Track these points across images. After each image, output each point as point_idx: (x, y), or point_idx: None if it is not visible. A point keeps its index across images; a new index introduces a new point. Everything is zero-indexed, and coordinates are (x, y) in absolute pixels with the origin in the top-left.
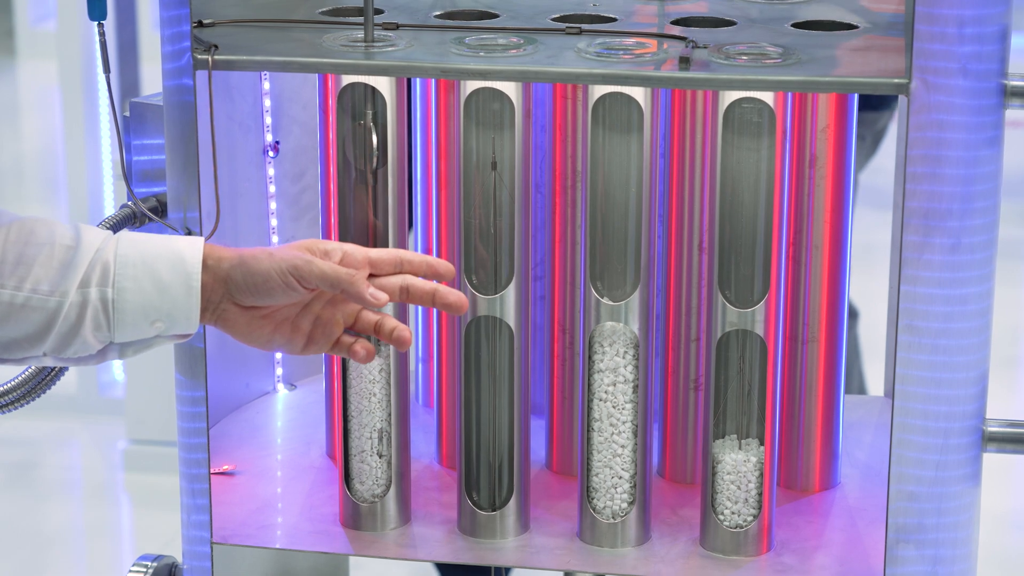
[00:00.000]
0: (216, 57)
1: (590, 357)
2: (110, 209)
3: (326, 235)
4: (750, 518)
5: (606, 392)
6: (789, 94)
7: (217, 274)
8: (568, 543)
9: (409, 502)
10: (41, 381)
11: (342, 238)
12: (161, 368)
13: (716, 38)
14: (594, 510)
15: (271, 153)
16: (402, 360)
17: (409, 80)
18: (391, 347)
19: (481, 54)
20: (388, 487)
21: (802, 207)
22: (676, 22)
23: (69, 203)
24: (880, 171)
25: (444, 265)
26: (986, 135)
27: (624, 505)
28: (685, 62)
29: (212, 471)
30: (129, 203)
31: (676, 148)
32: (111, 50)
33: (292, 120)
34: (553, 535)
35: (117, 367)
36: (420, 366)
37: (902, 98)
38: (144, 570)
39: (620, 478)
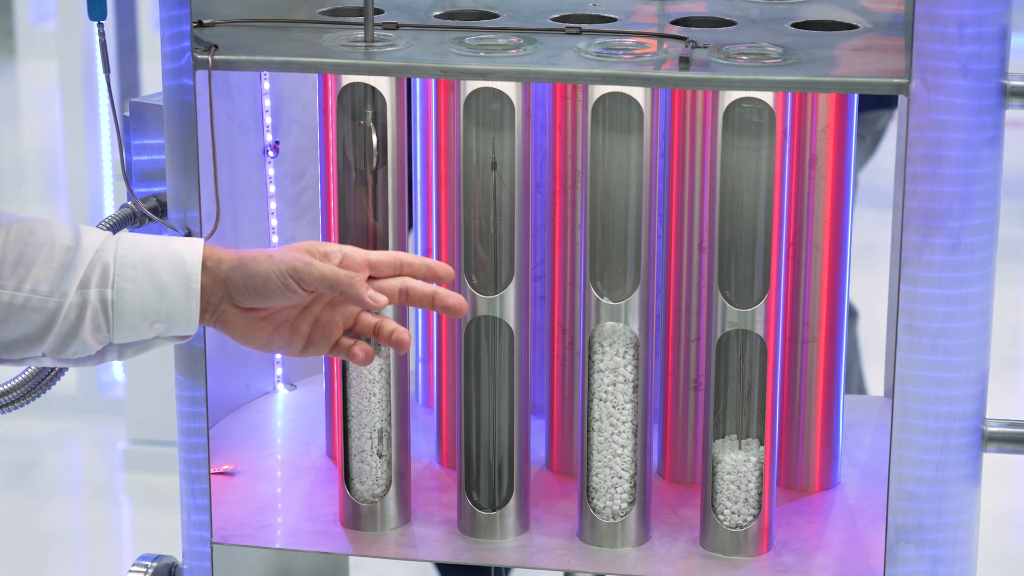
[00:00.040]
0: (216, 57)
1: (590, 357)
2: (110, 209)
3: (326, 235)
4: (750, 518)
5: (606, 392)
6: (789, 94)
7: (217, 275)
8: (568, 543)
9: (409, 502)
10: (41, 381)
11: (342, 238)
12: (161, 368)
13: (716, 38)
14: (594, 510)
15: (271, 153)
16: (402, 360)
17: (409, 80)
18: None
19: (481, 54)
20: (388, 487)
21: (802, 207)
22: (676, 22)
23: (69, 203)
24: (880, 171)
25: (443, 268)
26: (986, 135)
27: (624, 505)
28: (685, 62)
29: (212, 471)
30: (129, 203)
31: (676, 148)
32: (111, 50)
33: (292, 120)
34: (553, 535)
35: (117, 367)
36: (420, 366)
37: (902, 98)
38: (144, 570)
39: (620, 478)
